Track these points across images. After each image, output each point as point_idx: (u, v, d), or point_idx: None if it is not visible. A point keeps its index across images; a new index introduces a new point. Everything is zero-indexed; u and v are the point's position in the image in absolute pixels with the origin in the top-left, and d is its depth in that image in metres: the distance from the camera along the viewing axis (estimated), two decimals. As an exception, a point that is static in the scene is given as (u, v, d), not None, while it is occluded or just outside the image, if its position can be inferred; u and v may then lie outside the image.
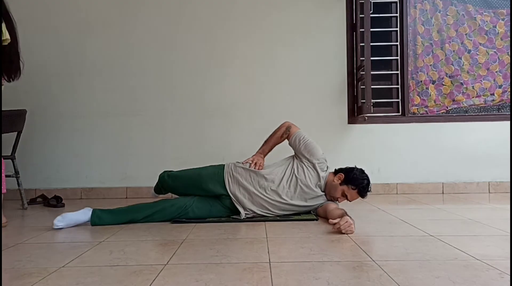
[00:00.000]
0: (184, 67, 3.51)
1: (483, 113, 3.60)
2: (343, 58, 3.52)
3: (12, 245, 1.82)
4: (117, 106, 3.51)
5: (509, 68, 3.55)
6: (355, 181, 2.30)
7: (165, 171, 2.61)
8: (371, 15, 3.30)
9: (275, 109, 3.44)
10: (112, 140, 3.51)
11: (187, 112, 3.51)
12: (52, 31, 3.51)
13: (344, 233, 1.91)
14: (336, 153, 3.33)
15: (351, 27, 3.54)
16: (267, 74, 3.51)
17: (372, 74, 3.25)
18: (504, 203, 2.89)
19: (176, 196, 2.53)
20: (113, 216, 2.24)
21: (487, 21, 3.55)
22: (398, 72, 3.60)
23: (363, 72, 3.26)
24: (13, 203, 3.19)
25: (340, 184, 2.32)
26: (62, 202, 3.10)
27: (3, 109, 2.24)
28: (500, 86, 3.56)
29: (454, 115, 3.59)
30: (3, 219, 2.27)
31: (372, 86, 3.20)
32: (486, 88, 3.56)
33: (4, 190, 2.32)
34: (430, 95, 3.59)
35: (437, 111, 3.59)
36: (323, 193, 2.38)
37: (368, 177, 2.34)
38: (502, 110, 3.62)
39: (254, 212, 2.34)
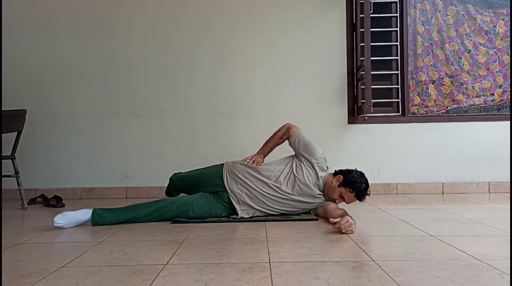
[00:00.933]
0: (184, 67, 3.51)
1: (483, 113, 3.60)
2: (343, 58, 3.52)
3: (12, 245, 1.82)
4: (117, 106, 3.51)
5: (509, 68, 3.54)
6: (353, 184, 2.29)
7: (174, 173, 2.72)
8: (371, 15, 3.31)
9: (275, 109, 3.45)
10: (112, 140, 3.51)
11: (187, 112, 3.51)
12: (52, 31, 3.50)
13: (344, 233, 1.91)
14: (336, 153, 3.35)
15: (351, 27, 3.54)
16: (267, 74, 3.51)
17: (372, 74, 3.26)
18: (504, 203, 2.89)
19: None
20: (114, 214, 2.24)
21: (487, 21, 3.55)
22: (398, 72, 3.60)
23: (363, 72, 3.26)
24: (13, 203, 3.19)
25: (338, 186, 2.32)
26: (62, 202, 3.10)
27: (3, 109, 2.24)
28: (500, 86, 3.56)
29: (454, 115, 3.59)
30: None
31: (372, 86, 3.20)
32: (486, 88, 3.56)
33: None
34: (430, 95, 3.59)
35: (437, 111, 3.59)
36: (322, 193, 2.38)
37: (367, 181, 2.32)
38: (502, 110, 3.62)
39: (253, 208, 2.34)
